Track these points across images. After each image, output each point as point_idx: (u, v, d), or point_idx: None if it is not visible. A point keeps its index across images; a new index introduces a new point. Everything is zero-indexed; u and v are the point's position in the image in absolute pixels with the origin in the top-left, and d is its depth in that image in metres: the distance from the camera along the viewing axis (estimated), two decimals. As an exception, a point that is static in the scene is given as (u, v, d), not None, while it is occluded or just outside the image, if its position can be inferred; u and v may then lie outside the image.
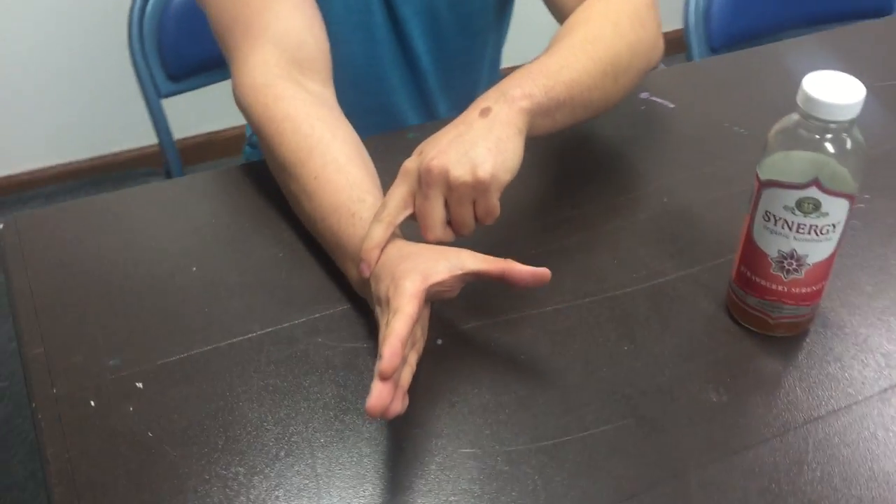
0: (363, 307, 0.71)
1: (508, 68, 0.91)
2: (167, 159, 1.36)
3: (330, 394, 0.65)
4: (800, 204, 0.62)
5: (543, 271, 0.63)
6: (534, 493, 0.58)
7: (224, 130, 2.32)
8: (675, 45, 3.30)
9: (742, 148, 0.92)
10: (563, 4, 0.91)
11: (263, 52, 0.83)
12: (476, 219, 0.68)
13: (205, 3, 0.88)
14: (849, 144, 0.61)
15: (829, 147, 0.61)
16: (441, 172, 0.65)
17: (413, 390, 0.61)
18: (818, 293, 0.68)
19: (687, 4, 1.45)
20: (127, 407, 0.64)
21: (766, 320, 0.69)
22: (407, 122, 1.09)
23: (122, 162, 2.26)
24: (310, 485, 0.59)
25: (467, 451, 0.61)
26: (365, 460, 0.60)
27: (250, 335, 0.69)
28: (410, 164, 0.68)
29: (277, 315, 0.71)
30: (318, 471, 0.59)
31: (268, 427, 0.62)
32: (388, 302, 0.61)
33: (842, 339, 0.70)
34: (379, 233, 0.67)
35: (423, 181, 0.66)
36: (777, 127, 0.64)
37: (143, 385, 0.65)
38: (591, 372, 0.67)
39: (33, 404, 0.64)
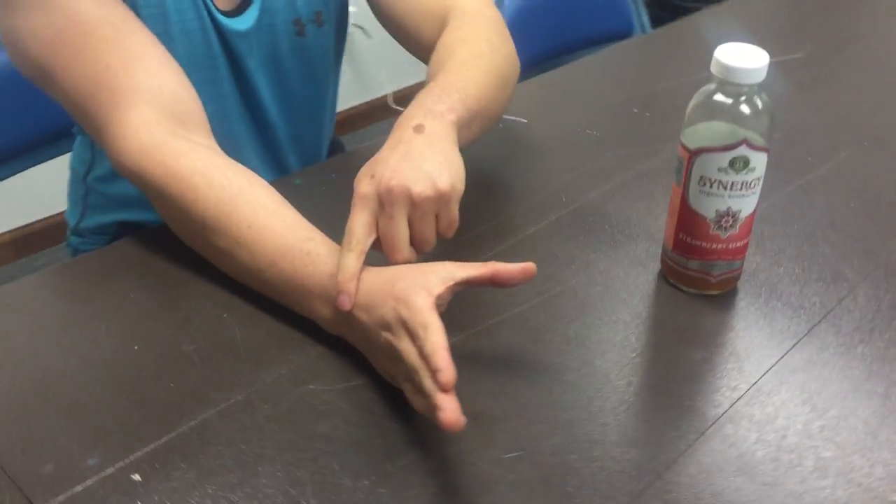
0: (336, 346, 0.69)
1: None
2: None
3: (357, 435, 0.62)
4: (732, 163, 0.69)
5: (529, 265, 0.65)
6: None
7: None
8: None
9: (602, 146, 1.00)
10: (421, 35, 0.95)
11: (141, 112, 0.78)
12: (437, 233, 0.69)
13: (52, 75, 0.81)
14: (760, 104, 0.69)
15: (745, 108, 0.69)
16: (402, 190, 0.66)
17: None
18: (747, 246, 0.75)
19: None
20: (134, 502, 0.56)
21: (708, 280, 0.76)
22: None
23: None
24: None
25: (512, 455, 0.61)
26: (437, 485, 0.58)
27: (235, 399, 0.64)
28: (365, 188, 0.67)
29: (253, 373, 0.67)
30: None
31: (304, 481, 0.58)
32: (402, 322, 0.60)
33: (765, 286, 0.78)
34: (352, 263, 0.65)
35: (386, 202, 0.66)
36: (695, 101, 0.71)
37: (142, 476, 0.58)
38: (585, 364, 0.69)
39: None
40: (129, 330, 0.71)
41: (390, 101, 2.81)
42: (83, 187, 1.08)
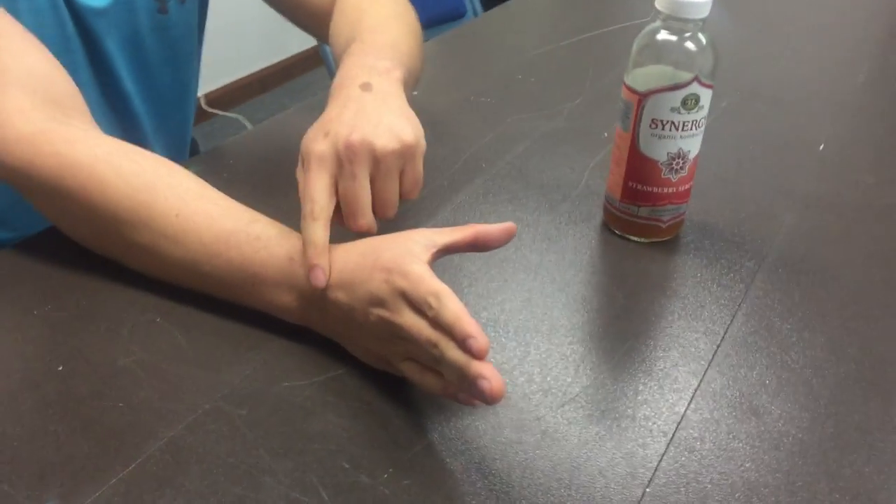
0: (299, 338, 0.61)
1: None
2: None
3: (356, 427, 0.54)
4: (685, 102, 0.68)
5: (511, 225, 0.60)
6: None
7: None
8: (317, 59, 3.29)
9: (500, 112, 0.98)
10: (312, 1, 0.88)
11: (13, 97, 0.67)
12: (401, 193, 0.63)
13: None
14: (705, 40, 0.68)
15: (691, 45, 0.68)
16: (365, 145, 0.60)
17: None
18: (691, 187, 0.75)
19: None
20: (119, 541, 0.47)
21: (659, 226, 0.74)
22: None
23: None
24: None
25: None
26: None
27: (202, 409, 0.55)
28: (320, 147, 0.60)
29: (213, 378, 0.58)
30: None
31: (315, 485, 0.50)
32: (401, 295, 0.53)
33: (703, 229, 0.78)
34: (321, 233, 0.59)
35: (347, 159, 0.59)
36: (639, 42, 0.70)
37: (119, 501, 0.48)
38: (553, 327, 0.66)
39: None
40: (44, 349, 0.59)
41: (203, 104, 2.66)
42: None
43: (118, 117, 0.94)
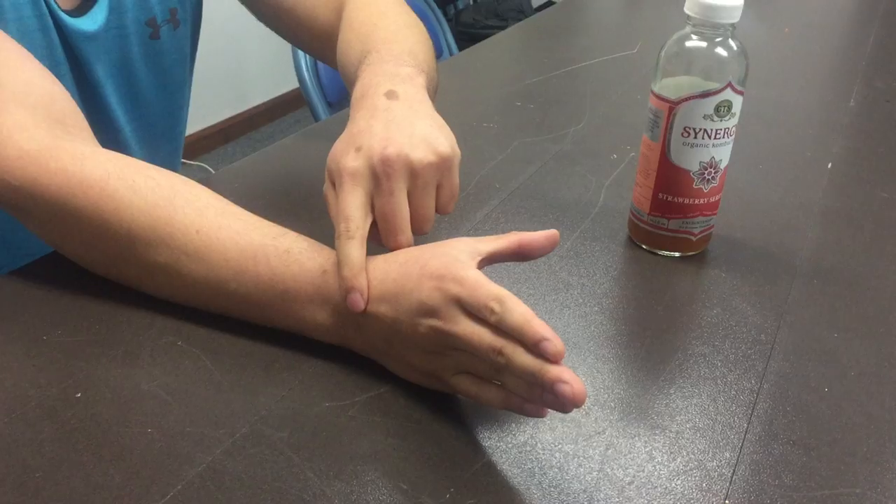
0: (335, 357, 0.57)
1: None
2: None
3: (408, 447, 0.50)
4: (718, 109, 0.67)
5: (554, 232, 0.57)
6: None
7: None
8: (298, 102, 3.28)
9: (505, 136, 0.96)
10: (315, 21, 0.87)
11: (13, 114, 0.63)
12: (437, 208, 0.60)
13: None
14: (735, 46, 0.67)
15: (723, 51, 0.67)
16: (402, 159, 0.56)
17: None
18: (720, 199, 0.73)
19: (298, 65, 1.46)
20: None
21: (689, 239, 0.72)
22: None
23: None
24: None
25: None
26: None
27: (241, 432, 0.51)
28: (353, 163, 0.57)
29: (248, 400, 0.54)
30: None
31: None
32: (456, 302, 0.50)
33: (730, 240, 0.76)
34: (357, 252, 0.55)
35: (384, 175, 0.56)
36: (667, 50, 0.68)
37: (160, 542, 0.43)
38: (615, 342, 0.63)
39: None
40: (59, 376, 0.55)
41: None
42: None
43: (107, 146, 0.89)
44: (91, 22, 0.81)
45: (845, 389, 0.57)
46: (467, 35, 2.06)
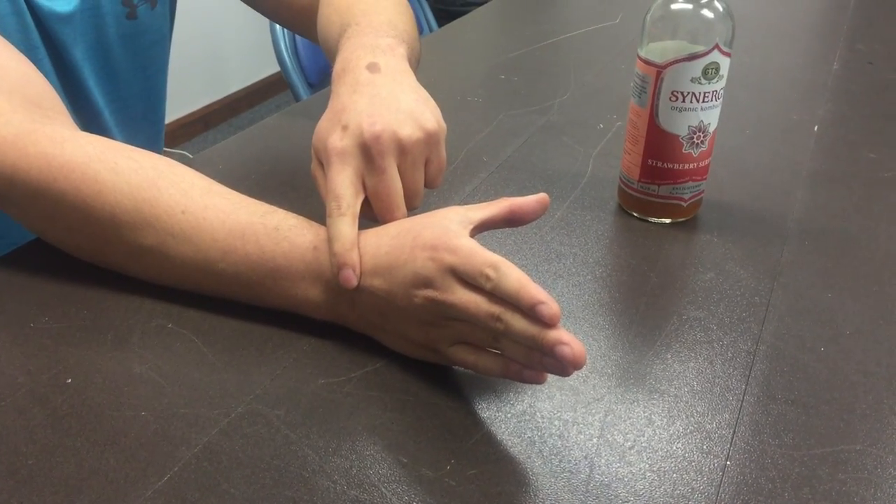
0: (328, 334, 0.57)
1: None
2: None
3: (406, 421, 0.50)
4: (706, 71, 0.66)
5: (544, 196, 0.56)
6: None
7: None
8: (278, 86, 3.27)
9: (491, 109, 0.95)
10: (299, 2, 0.85)
11: None
12: (425, 183, 0.60)
13: None
14: (722, 7, 0.67)
15: (708, 12, 0.66)
16: (391, 136, 0.56)
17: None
18: (710, 164, 0.73)
19: (277, 47, 1.44)
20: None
21: (680, 205, 0.72)
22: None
23: None
24: None
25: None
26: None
27: (236, 412, 0.50)
28: (340, 142, 0.56)
29: (241, 380, 0.53)
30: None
31: (375, 482, 0.46)
32: (451, 271, 0.49)
33: (721, 206, 0.76)
34: (348, 229, 0.54)
35: (375, 152, 0.55)
36: (653, 14, 0.68)
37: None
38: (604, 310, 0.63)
39: None
40: (49, 362, 0.54)
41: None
42: None
43: (87, 130, 0.88)
44: (65, 3, 0.80)
45: (841, 348, 0.57)
46: (447, 13, 2.04)
